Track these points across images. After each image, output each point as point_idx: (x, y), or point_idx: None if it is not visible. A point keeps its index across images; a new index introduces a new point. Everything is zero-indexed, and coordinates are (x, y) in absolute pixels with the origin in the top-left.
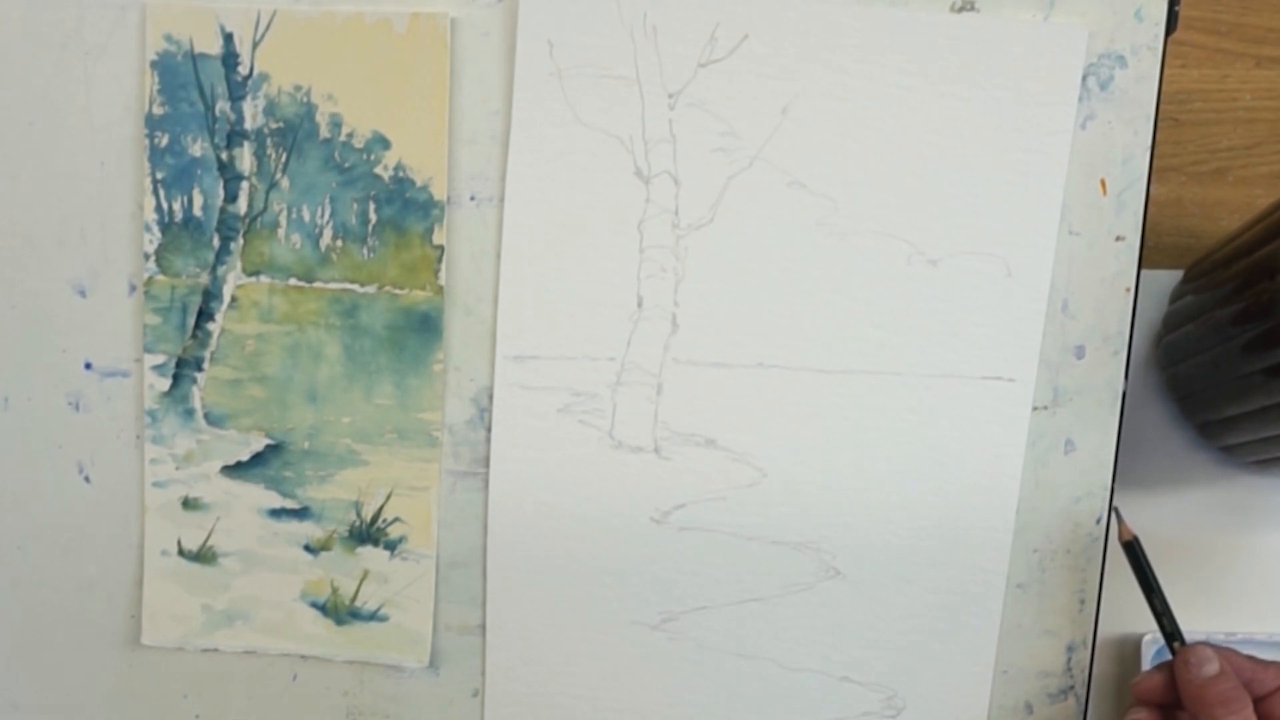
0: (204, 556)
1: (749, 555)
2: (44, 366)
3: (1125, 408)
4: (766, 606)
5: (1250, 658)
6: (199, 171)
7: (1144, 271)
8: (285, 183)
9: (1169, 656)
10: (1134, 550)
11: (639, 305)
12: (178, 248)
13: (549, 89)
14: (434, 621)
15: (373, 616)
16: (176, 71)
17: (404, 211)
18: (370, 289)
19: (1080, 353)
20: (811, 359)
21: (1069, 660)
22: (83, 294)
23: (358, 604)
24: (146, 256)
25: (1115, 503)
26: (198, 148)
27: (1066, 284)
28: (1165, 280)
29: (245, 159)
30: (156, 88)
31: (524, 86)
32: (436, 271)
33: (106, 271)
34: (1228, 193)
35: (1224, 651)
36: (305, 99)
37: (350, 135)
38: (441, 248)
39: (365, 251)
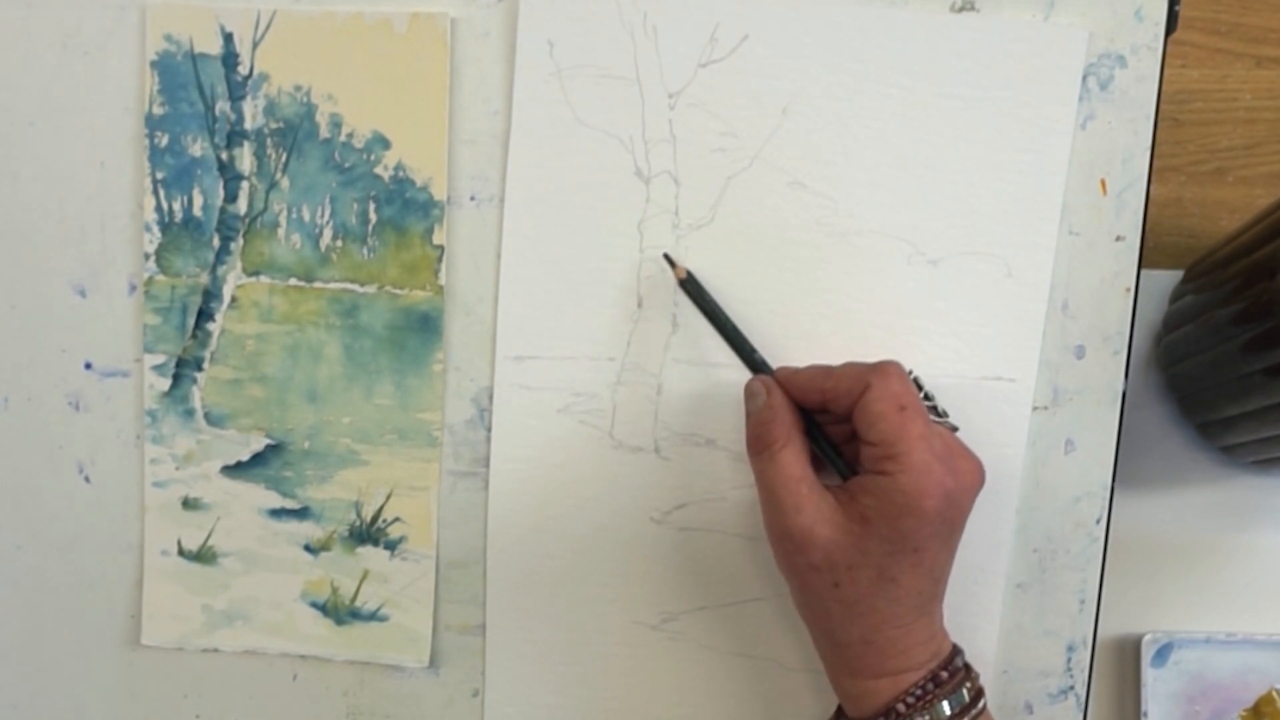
0: (204, 556)
1: (749, 555)
2: (44, 366)
3: (1125, 408)
4: (766, 606)
5: (826, 369)
6: (199, 171)
7: (1144, 271)
8: (285, 183)
9: (1169, 656)
10: (692, 284)
11: (639, 305)
12: (178, 248)
13: (549, 89)
14: (434, 621)
15: (373, 616)
16: (176, 71)
17: (404, 211)
18: (370, 289)
19: (1080, 353)
20: (812, 358)
21: (1069, 660)
22: (83, 294)
23: (358, 604)
24: (146, 256)
25: (1115, 502)
26: (198, 148)
27: (1066, 284)
28: (1165, 280)
29: (245, 159)
30: (156, 88)
31: (524, 86)
32: (436, 271)
33: (106, 271)
34: (1228, 193)
35: (791, 375)
36: (305, 99)
37: (350, 135)
38: (441, 248)
39: (365, 251)
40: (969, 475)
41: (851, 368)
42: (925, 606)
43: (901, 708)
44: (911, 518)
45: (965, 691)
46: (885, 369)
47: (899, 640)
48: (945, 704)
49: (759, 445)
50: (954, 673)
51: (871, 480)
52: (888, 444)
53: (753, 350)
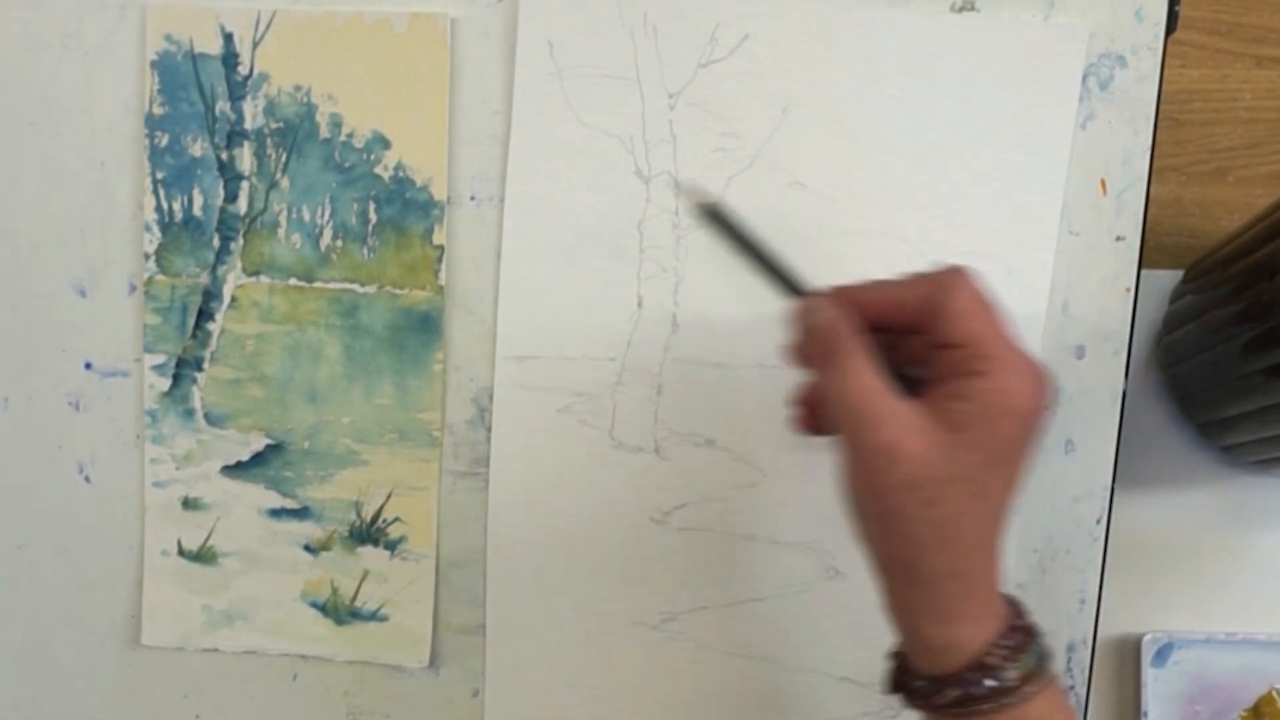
0: (204, 556)
1: (749, 555)
2: (44, 366)
3: (1125, 408)
4: (766, 606)
5: (888, 280)
6: (199, 171)
7: (1144, 271)
8: (285, 183)
9: (1169, 656)
10: (718, 215)
11: (639, 305)
12: (178, 248)
13: (549, 89)
14: (434, 621)
15: (373, 616)
16: (176, 71)
17: (404, 211)
18: (370, 289)
19: (1080, 353)
20: None
21: (1069, 660)
22: (83, 294)
23: (358, 604)
24: (146, 256)
25: (1115, 503)
26: (198, 148)
27: (1066, 284)
28: (1165, 280)
29: (245, 159)
30: (156, 88)
31: (524, 86)
32: (436, 271)
33: (106, 271)
34: (1228, 193)
35: (851, 290)
36: (305, 99)
37: (350, 135)
38: (441, 248)
39: (365, 251)
40: (1049, 378)
41: (921, 274)
42: (1000, 536)
43: (995, 660)
44: (1008, 418)
45: (1040, 642)
46: (960, 270)
47: (983, 574)
48: (1034, 654)
49: (829, 359)
50: (1027, 620)
51: (963, 384)
52: (980, 342)
53: (796, 277)
